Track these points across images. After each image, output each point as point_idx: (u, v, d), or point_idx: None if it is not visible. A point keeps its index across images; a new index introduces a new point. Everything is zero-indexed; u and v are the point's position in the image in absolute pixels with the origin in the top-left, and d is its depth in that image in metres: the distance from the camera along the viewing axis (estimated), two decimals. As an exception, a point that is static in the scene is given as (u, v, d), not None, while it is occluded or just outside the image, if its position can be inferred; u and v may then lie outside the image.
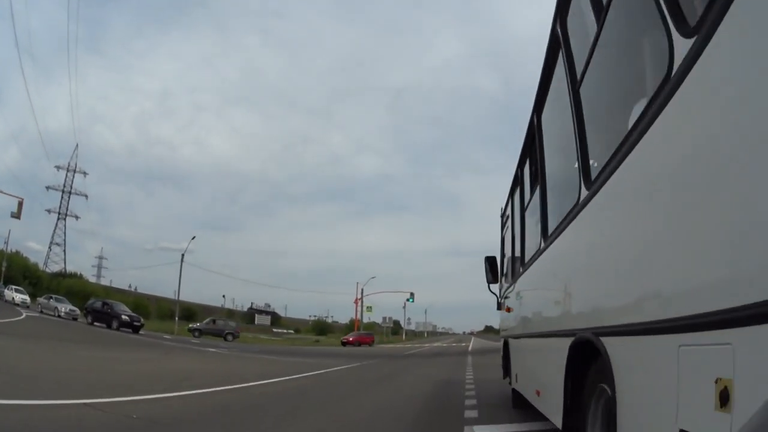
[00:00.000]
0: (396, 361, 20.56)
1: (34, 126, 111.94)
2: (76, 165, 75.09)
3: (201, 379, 9.34)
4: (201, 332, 37.23)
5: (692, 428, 1.34)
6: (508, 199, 7.18)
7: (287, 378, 10.88)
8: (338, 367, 14.86)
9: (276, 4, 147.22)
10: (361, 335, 51.47)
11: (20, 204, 27.56)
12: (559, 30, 3.09)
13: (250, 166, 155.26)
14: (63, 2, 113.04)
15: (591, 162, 2.54)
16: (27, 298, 37.17)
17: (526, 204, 5.42)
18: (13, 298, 36.28)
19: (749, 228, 1.11)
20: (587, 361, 2.46)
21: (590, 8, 2.44)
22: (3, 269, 48.50)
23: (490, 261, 8.06)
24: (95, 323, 28.96)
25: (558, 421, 3.01)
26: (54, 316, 31.44)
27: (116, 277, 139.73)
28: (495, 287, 8.19)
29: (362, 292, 55.30)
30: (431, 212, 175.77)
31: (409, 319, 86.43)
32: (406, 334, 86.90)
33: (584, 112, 2.64)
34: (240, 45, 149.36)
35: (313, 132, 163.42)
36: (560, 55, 3.11)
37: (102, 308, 29.84)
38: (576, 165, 2.68)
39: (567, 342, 2.74)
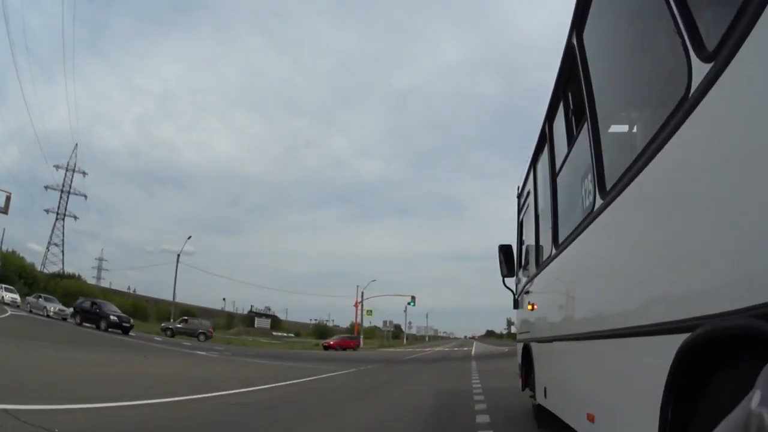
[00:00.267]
0: (396, 366, 19.27)
1: (35, 126, 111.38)
2: (75, 165, 74.04)
3: (170, 385, 8.13)
4: (173, 332, 35.84)
5: None
6: (529, 171, 5.95)
7: (273, 385, 9.65)
8: (333, 373, 13.60)
9: (278, 6, 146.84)
10: (343, 339, 48.91)
11: (8, 198, 26.44)
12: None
13: (252, 168, 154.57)
14: (66, 3, 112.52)
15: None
16: (17, 297, 35.97)
17: (557, 169, 4.16)
18: (2, 297, 35.12)
19: None
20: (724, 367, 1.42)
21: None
22: (-3, 269, 47.42)
23: (505, 251, 6.81)
24: (84, 324, 27.76)
25: None
26: (43, 315, 30.46)
27: (117, 279, 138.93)
28: (511, 282, 6.93)
29: (362, 296, 54.00)
30: (433, 216, 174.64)
31: (410, 323, 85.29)
32: (407, 339, 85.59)
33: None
34: (242, 47, 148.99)
35: (316, 135, 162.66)
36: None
37: (91, 308, 28.56)
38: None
39: (674, 342, 1.54)
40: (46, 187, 73.79)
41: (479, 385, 10.33)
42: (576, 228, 3.16)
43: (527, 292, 5.65)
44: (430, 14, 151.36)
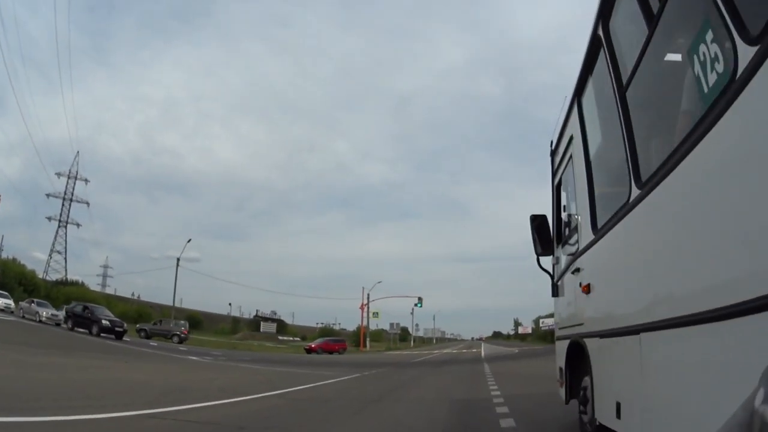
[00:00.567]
0: (403, 370, 17.75)
1: (38, 135, 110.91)
2: (77, 172, 73.07)
3: (134, 395, 6.87)
4: (147, 333, 34.69)
5: None
6: (570, 113, 4.48)
7: (257, 396, 8.20)
8: (332, 380, 12.13)
9: (280, 12, 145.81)
10: (327, 342, 44.14)
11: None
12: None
13: (255, 173, 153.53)
14: (66, 13, 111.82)
15: None
16: (11, 302, 34.88)
17: (625, 84, 2.76)
18: (-5, 303, 34.06)
19: None
20: None
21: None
22: (-3, 276, 46.41)
23: (538, 223, 5.33)
24: (76, 328, 26.55)
25: None
26: (35, 320, 29.50)
27: (122, 286, 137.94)
28: (546, 262, 5.44)
29: (368, 298, 52.43)
30: (437, 218, 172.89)
31: (417, 325, 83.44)
32: (414, 341, 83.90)
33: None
34: (244, 53, 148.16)
35: (318, 139, 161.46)
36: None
37: (82, 312, 27.25)
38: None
39: None
40: (48, 195, 72.96)
41: (498, 392, 8.81)
42: (670, 161, 2.14)
43: (576, 271, 4.15)
44: (431, 16, 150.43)
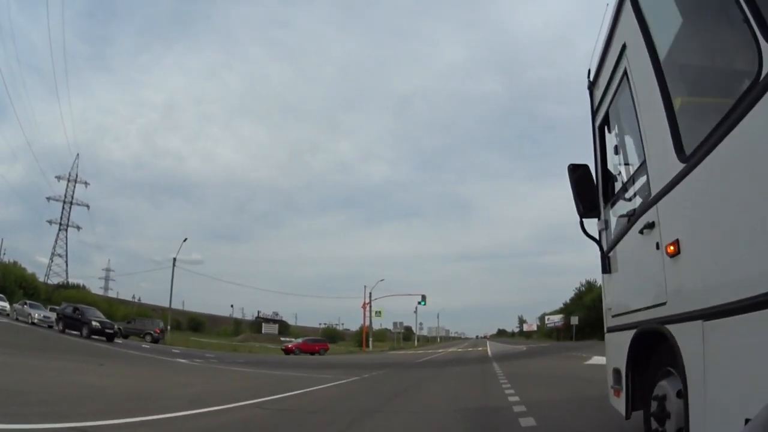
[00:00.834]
0: (406, 372, 16.33)
1: (40, 140, 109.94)
2: (77, 175, 71.77)
3: (85, 403, 5.89)
4: (121, 332, 32.99)
5: None
6: (616, 19, 3.17)
7: (235, 405, 6.85)
8: (328, 384, 10.76)
9: (280, 14, 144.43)
10: (306, 342, 39.28)
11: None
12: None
13: (258, 175, 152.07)
14: (64, 17, 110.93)
15: None
16: (6, 305, 33.69)
17: None
18: (-10, 305, 33.01)
19: None
20: None
21: None
22: (-3, 279, 45.39)
23: (579, 176, 3.90)
24: (67, 330, 25.28)
25: None
26: (28, 322, 28.44)
27: (126, 289, 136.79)
28: (592, 226, 4.02)
29: (370, 296, 51.00)
30: (440, 217, 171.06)
31: (421, 324, 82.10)
32: (418, 340, 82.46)
33: None
34: (245, 56, 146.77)
35: (320, 140, 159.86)
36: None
37: (73, 314, 25.92)
38: None
39: None
40: (48, 199, 71.70)
41: (517, 398, 7.38)
42: None
43: (648, 228, 2.73)
44: (431, 15, 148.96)
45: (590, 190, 3.93)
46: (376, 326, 71.83)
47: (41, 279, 66.89)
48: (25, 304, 31.91)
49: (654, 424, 2.79)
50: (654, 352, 2.84)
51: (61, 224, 73.21)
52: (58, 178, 71.15)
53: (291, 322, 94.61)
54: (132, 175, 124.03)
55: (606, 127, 3.93)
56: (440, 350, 44.81)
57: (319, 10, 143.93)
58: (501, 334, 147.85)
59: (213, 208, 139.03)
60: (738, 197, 1.79)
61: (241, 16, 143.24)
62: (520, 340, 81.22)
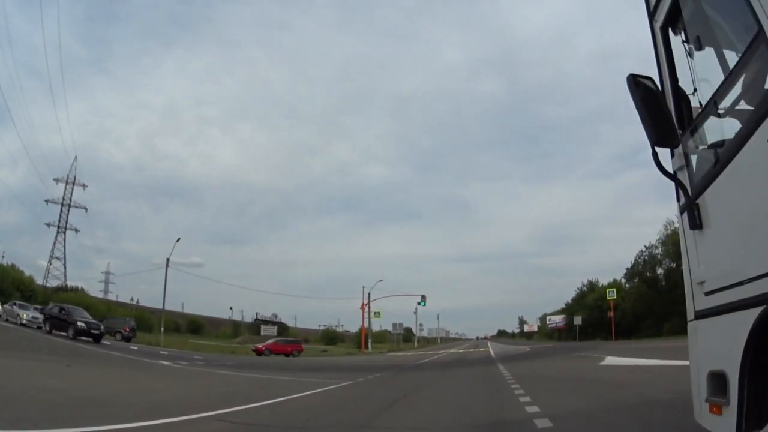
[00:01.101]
0: (405, 375, 14.93)
1: (39, 143, 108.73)
2: (74, 178, 70.28)
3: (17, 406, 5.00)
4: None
5: None
6: None
7: (198, 416, 5.54)
8: (316, 390, 9.39)
9: (279, 16, 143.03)
10: (278, 342, 35.83)
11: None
12: None
13: (257, 177, 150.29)
14: (63, 21, 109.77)
15: None
16: (-3, 306, 32.50)
17: None
18: (-18, 307, 31.89)
19: None
20: None
21: None
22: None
23: (645, 91, 2.54)
24: (54, 331, 23.95)
25: None
26: (17, 323, 27.46)
27: (126, 293, 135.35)
28: (665, 157, 2.66)
29: (369, 297, 49.56)
30: (439, 219, 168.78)
31: (421, 325, 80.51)
32: (418, 341, 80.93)
33: None
34: (244, 58, 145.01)
35: (319, 142, 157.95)
36: None
37: (59, 314, 24.56)
38: None
39: None
40: (47, 201, 70.29)
41: (536, 408, 5.99)
42: None
43: None
44: (429, 17, 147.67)
45: (662, 111, 2.58)
46: (375, 328, 70.38)
47: (41, 282, 65.73)
48: (14, 304, 30.87)
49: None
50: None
51: (59, 227, 71.72)
52: (56, 180, 69.72)
53: (291, 324, 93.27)
54: (132, 178, 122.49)
55: (673, 27, 2.63)
56: (441, 351, 43.25)
57: (319, 12, 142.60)
58: (501, 334, 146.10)
59: (213, 210, 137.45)
60: None
61: (240, 19, 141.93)
62: (521, 341, 79.67)
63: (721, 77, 2.20)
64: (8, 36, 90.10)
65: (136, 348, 24.89)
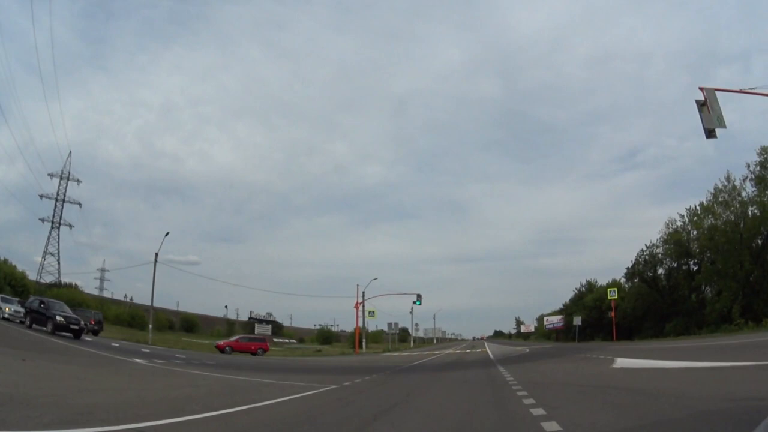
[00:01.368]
0: (397, 378, 13.48)
1: (36, 141, 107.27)
2: (69, 173, 68.67)
3: None
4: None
5: None
6: None
7: (123, 427, 4.10)
8: (293, 396, 7.98)
9: (278, 16, 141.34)
10: (240, 340, 33.71)
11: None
12: None
13: (254, 176, 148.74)
14: (62, 17, 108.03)
15: None
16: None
17: None
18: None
19: None
20: None
21: None
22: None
23: None
24: (35, 326, 22.53)
25: None
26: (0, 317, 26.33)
27: (123, 290, 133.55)
28: None
29: (363, 295, 48.08)
30: (436, 219, 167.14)
31: (417, 325, 79.00)
32: (414, 341, 79.44)
33: None
34: (242, 57, 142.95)
35: (317, 142, 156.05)
36: None
37: (39, 308, 23.07)
38: None
39: None
40: (41, 196, 68.66)
41: (558, 428, 4.60)
42: None
43: None
44: (428, 18, 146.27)
45: None
46: (371, 328, 68.88)
47: (37, 278, 64.16)
48: (-1, 298, 29.33)
49: None
50: None
51: (53, 222, 70.11)
52: (51, 175, 68.15)
53: (286, 323, 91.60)
54: (129, 175, 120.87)
55: None
56: (437, 352, 41.75)
57: (317, 12, 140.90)
58: (497, 335, 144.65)
59: (210, 209, 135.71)
60: None
61: (238, 18, 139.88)
62: (518, 342, 78.18)
63: None
64: (6, 32, 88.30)
65: (117, 345, 23.39)
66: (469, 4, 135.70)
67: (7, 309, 26.97)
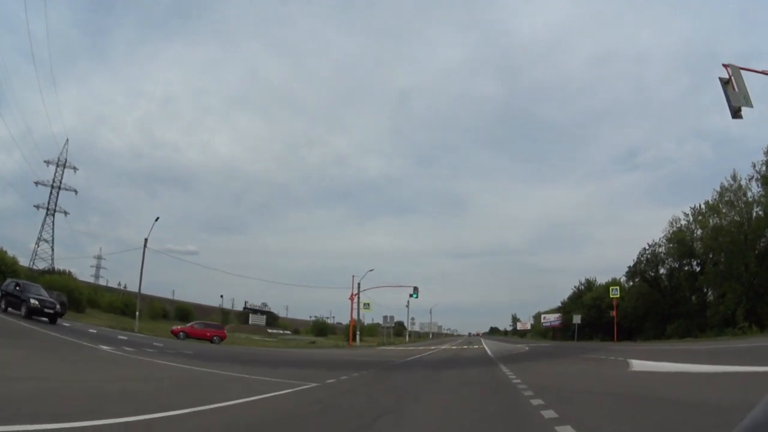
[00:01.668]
0: (389, 376, 12.01)
1: (36, 130, 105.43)
2: (65, 160, 67.01)
3: None
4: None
5: None
6: None
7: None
8: (262, 395, 6.51)
9: (279, 12, 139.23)
10: (194, 326, 31.67)
11: None
12: None
13: (254, 167, 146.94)
14: (62, 11, 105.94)
15: None
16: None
17: None
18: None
19: None
20: None
21: None
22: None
23: None
24: (10, 309, 21.14)
25: None
26: None
27: (119, 278, 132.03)
28: None
29: (359, 287, 46.60)
30: (435, 214, 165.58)
31: (413, 319, 77.64)
32: (410, 336, 78.09)
33: None
34: (244, 51, 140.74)
35: (317, 134, 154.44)
36: None
37: (14, 291, 21.64)
38: None
39: None
40: (36, 183, 67.02)
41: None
42: None
43: None
44: (430, 15, 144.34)
45: None
46: (367, 321, 67.54)
47: (30, 265, 62.57)
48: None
49: None
50: None
51: (48, 209, 68.45)
52: (47, 162, 66.51)
53: (282, 314, 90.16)
54: (129, 165, 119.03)
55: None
56: (432, 347, 40.27)
57: (318, 8, 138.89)
58: (493, 332, 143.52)
59: (209, 199, 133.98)
60: None
61: (240, 11, 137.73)
62: (514, 339, 76.85)
63: None
64: (6, 22, 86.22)
65: (95, 331, 21.92)
66: (471, 2, 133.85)
67: None
